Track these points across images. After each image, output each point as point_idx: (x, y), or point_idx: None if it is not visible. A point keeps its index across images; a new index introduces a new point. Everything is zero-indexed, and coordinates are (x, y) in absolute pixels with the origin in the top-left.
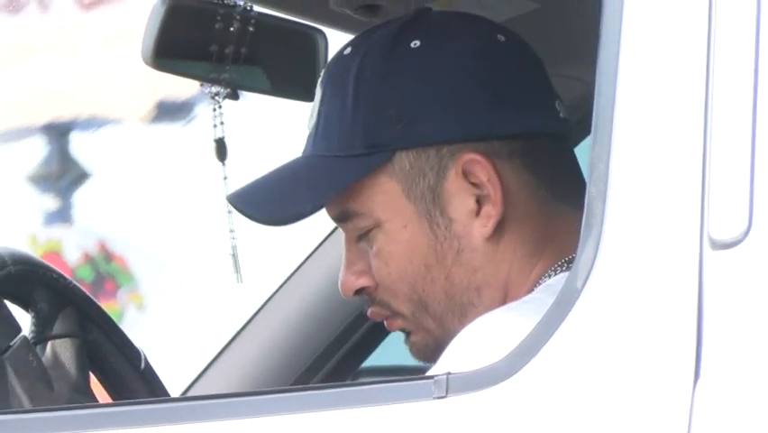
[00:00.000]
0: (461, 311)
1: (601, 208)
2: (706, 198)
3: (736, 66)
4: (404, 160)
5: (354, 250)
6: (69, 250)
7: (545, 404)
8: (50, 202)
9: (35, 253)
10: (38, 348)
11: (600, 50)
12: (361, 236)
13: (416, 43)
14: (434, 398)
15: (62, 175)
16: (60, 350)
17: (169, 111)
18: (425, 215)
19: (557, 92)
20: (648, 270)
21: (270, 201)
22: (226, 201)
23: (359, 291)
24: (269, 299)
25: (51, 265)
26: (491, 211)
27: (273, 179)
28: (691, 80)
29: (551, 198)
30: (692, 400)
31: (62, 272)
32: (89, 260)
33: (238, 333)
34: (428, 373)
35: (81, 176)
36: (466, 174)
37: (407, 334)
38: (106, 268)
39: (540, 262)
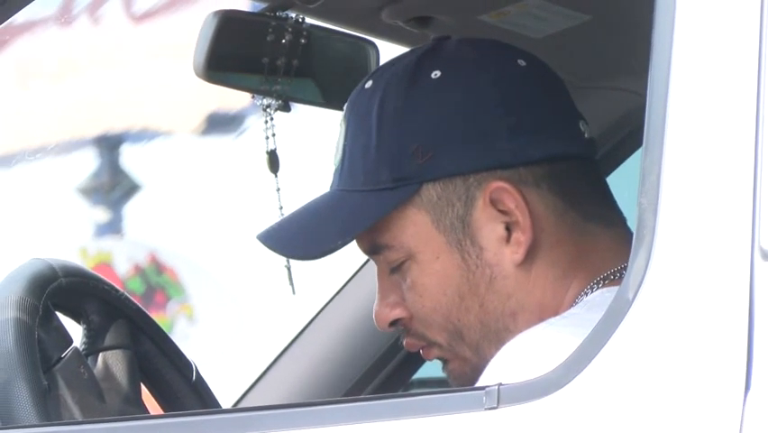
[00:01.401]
0: (496, 338)
1: (652, 220)
2: (757, 209)
3: None
4: (431, 191)
5: (387, 282)
6: (120, 262)
7: (597, 415)
8: (101, 214)
9: (86, 265)
10: (89, 360)
11: (652, 62)
12: (393, 269)
13: (436, 74)
14: (486, 409)
15: (113, 187)
16: (112, 362)
17: (220, 123)
18: (456, 245)
19: (581, 112)
20: (699, 280)
21: (300, 238)
22: (257, 239)
23: (393, 323)
24: (321, 310)
25: (103, 277)
26: (521, 238)
27: (303, 215)
28: (742, 92)
29: (580, 219)
30: (743, 411)
31: (114, 284)
32: (140, 272)
33: (290, 344)
34: (474, 385)
35: (132, 188)
36: (494, 202)
37: (445, 362)
38: (157, 280)
39: (574, 282)
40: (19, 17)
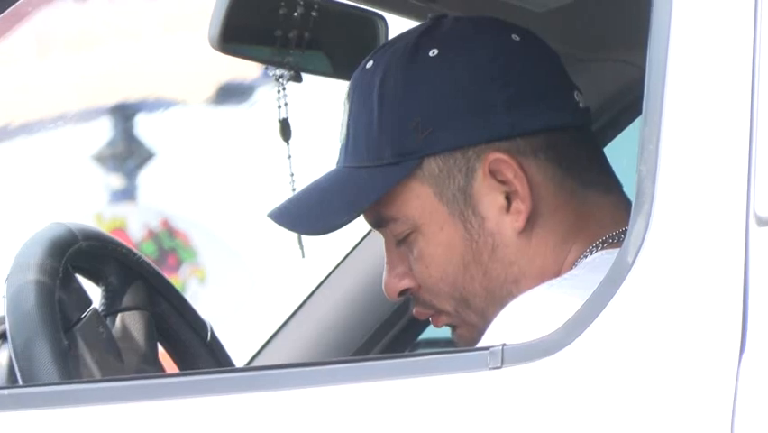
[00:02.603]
0: (501, 303)
1: (651, 187)
2: (752, 178)
3: None
4: (432, 165)
5: (395, 253)
6: (134, 227)
7: (598, 374)
8: (116, 181)
9: (102, 229)
10: (108, 320)
11: (651, 34)
12: (400, 241)
13: (434, 52)
14: (490, 368)
15: (128, 155)
16: (129, 322)
17: (233, 94)
18: (459, 215)
19: (582, 84)
20: (696, 245)
21: (309, 215)
22: (268, 217)
23: (402, 292)
24: (330, 273)
25: (121, 241)
26: (521, 206)
27: (311, 192)
28: (738, 62)
29: (578, 186)
30: (738, 371)
31: (131, 248)
32: (153, 236)
33: (300, 306)
34: (477, 346)
35: (146, 156)
36: (493, 173)
37: (453, 328)
38: (170, 244)
39: (574, 247)
40: None
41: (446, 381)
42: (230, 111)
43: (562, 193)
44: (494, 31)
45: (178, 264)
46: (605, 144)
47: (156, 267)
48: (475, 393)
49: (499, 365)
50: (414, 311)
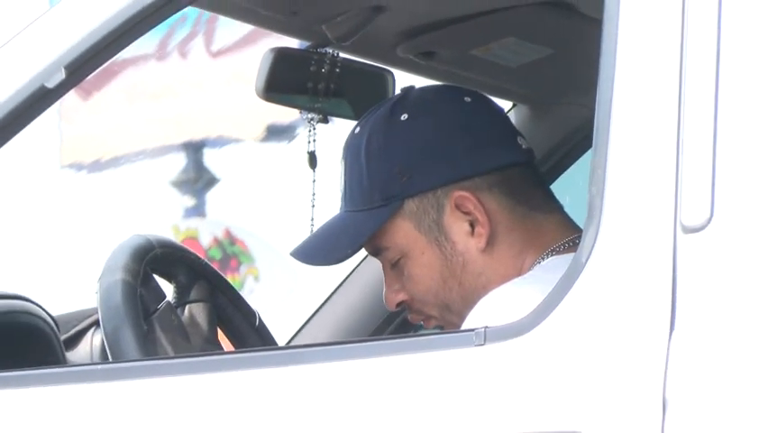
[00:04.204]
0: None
1: (600, 203)
2: (678, 195)
3: (701, 97)
4: (411, 205)
5: (390, 274)
6: (204, 236)
7: (560, 350)
8: (189, 201)
9: (178, 239)
10: (178, 311)
11: (599, 83)
12: (393, 265)
13: (404, 116)
14: (475, 345)
15: (197, 180)
16: (195, 312)
17: (277, 132)
18: (435, 242)
19: (519, 129)
20: (636, 249)
21: (320, 250)
22: (290, 255)
23: (399, 304)
24: (352, 272)
25: (188, 248)
26: (482, 231)
27: (321, 233)
28: (667, 109)
29: (527, 210)
30: (669, 347)
31: (197, 253)
32: (218, 243)
33: (328, 298)
34: (463, 329)
35: (211, 181)
36: (458, 207)
37: (441, 328)
38: (231, 249)
39: (528, 256)
40: (126, 53)
41: (441, 355)
42: (274, 146)
43: (515, 217)
44: (451, 95)
45: (238, 266)
46: (566, 169)
47: (215, 268)
48: (464, 365)
49: (483, 343)
50: (409, 318)
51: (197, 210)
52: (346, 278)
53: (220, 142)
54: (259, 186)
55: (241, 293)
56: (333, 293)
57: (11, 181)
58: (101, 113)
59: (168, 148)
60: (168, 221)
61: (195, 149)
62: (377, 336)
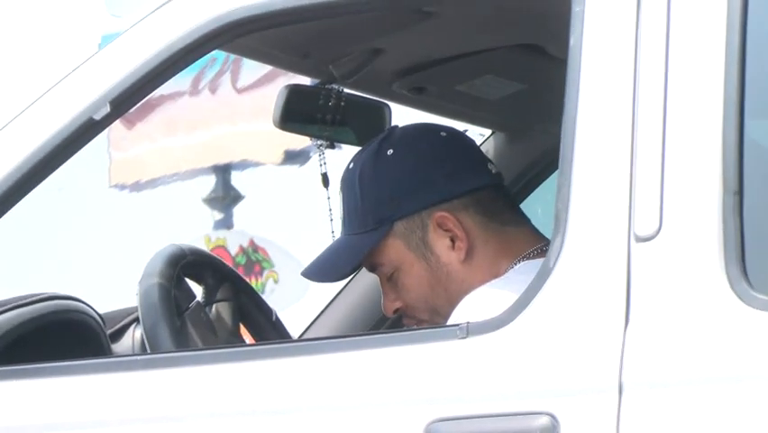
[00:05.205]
0: None
1: (565, 216)
2: (632, 209)
3: (651, 127)
4: (400, 226)
5: (387, 286)
6: (231, 245)
7: (532, 341)
8: (218, 215)
9: (208, 247)
10: (207, 309)
11: (564, 114)
12: (388, 278)
13: (390, 151)
14: (459, 338)
15: (225, 198)
16: (221, 310)
17: (292, 156)
18: (422, 257)
19: (497, 154)
20: (596, 255)
21: (325, 269)
22: (301, 275)
23: (395, 311)
24: (352, 278)
25: (216, 255)
26: (461, 245)
27: (324, 254)
28: (622, 137)
29: (499, 225)
30: (624, 339)
31: (223, 259)
32: (243, 251)
33: (334, 298)
34: (448, 324)
35: (237, 198)
36: (440, 225)
37: None
38: (254, 256)
39: (502, 263)
40: (164, 89)
41: (430, 347)
42: (290, 168)
43: (489, 231)
44: (429, 131)
45: (261, 270)
46: (539, 185)
47: (238, 272)
48: (450, 355)
49: (466, 336)
50: (404, 322)
51: (225, 222)
52: (347, 283)
53: (244, 165)
54: (277, 202)
55: (261, 294)
56: (337, 295)
57: (68, 199)
58: (143, 140)
59: (200, 170)
60: (200, 232)
61: (223, 171)
62: (379, 327)
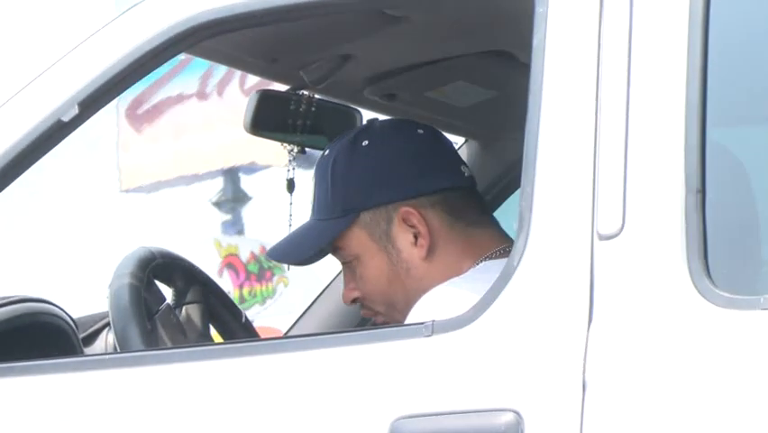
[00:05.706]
0: None
1: (528, 216)
2: (595, 208)
3: (613, 129)
4: (366, 216)
5: (347, 274)
6: (243, 252)
7: (496, 339)
8: (226, 216)
9: (219, 254)
10: (176, 311)
11: (528, 117)
12: (347, 264)
13: (365, 142)
14: (424, 336)
15: (235, 202)
16: (191, 312)
17: (302, 160)
18: (384, 249)
19: (470, 161)
20: (560, 253)
21: (291, 251)
22: (266, 254)
23: (354, 300)
24: (335, 277)
25: (185, 257)
26: (423, 242)
27: (292, 236)
28: (584, 138)
29: (464, 226)
30: (587, 337)
31: (192, 262)
32: (255, 258)
33: (318, 297)
34: (415, 322)
35: (247, 202)
36: (404, 220)
37: (386, 323)
38: (266, 263)
39: (465, 263)
40: (173, 92)
41: (397, 344)
42: (301, 172)
43: (453, 231)
44: (406, 127)
45: (272, 276)
46: (513, 192)
47: (208, 275)
48: (415, 353)
49: (431, 334)
50: (361, 312)
51: (233, 223)
52: (328, 285)
53: (253, 168)
54: (286, 205)
55: (271, 299)
56: (321, 294)
57: (80, 201)
58: (153, 144)
59: (211, 174)
60: (210, 236)
61: (232, 174)
62: (360, 326)
